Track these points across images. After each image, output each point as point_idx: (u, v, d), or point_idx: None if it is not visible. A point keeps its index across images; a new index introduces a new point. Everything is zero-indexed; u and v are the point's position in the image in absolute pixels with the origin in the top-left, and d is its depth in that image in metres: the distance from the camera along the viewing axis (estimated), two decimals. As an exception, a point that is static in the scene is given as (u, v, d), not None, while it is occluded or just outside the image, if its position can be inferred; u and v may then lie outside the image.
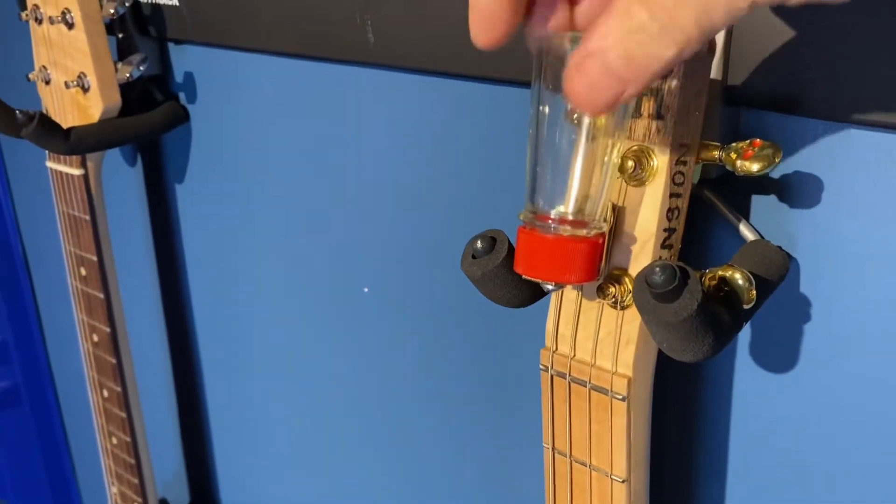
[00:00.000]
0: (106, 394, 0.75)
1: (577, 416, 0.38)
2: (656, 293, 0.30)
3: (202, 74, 0.67)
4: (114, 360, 0.72)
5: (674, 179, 0.33)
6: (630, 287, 0.34)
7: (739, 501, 0.45)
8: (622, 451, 0.37)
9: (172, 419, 0.87)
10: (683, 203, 0.34)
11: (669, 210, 0.33)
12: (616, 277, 0.34)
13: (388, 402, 0.64)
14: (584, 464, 0.38)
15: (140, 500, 0.78)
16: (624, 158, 0.33)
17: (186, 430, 0.86)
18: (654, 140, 0.32)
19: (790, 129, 0.37)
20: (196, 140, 0.69)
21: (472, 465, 0.60)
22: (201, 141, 0.69)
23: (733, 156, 0.32)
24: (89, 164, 0.67)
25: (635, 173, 0.33)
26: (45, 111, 0.66)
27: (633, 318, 0.35)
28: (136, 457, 0.76)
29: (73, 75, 0.62)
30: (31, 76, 0.65)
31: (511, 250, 0.36)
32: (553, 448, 0.39)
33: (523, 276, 0.32)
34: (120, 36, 0.65)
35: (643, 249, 0.33)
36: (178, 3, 0.62)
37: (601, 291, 0.35)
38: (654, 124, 0.32)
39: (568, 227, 0.31)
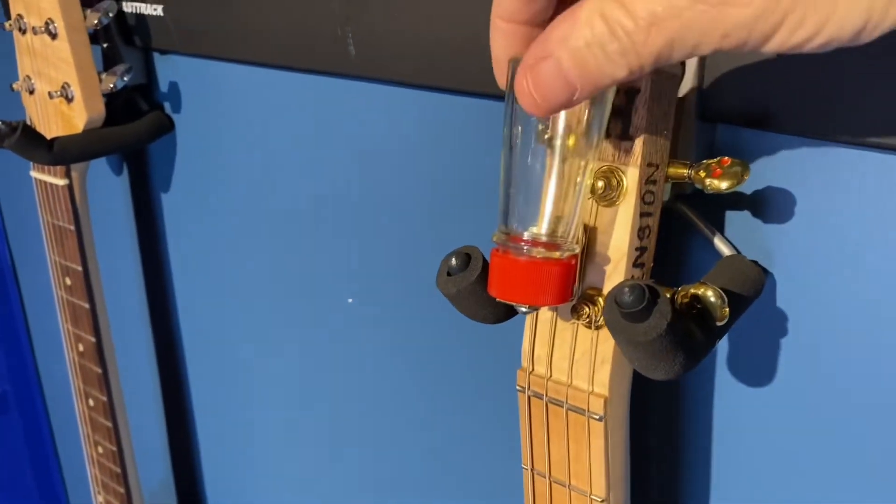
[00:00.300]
0: (92, 403, 0.75)
1: (555, 436, 0.38)
2: (626, 313, 0.30)
3: (187, 84, 0.67)
4: (99, 370, 0.72)
5: (644, 199, 0.33)
6: (603, 307, 0.34)
7: (719, 514, 0.46)
8: (600, 471, 0.37)
9: (159, 428, 0.86)
10: (654, 222, 0.34)
11: (640, 229, 0.33)
12: (590, 297, 0.34)
13: (373, 411, 0.64)
14: (563, 484, 0.38)
15: (127, 508, 0.78)
16: (594, 179, 0.33)
17: (173, 438, 0.86)
18: (623, 160, 0.33)
19: (764, 145, 0.38)
20: (181, 150, 0.69)
21: (453, 476, 0.60)
22: (186, 150, 0.69)
23: (702, 174, 0.32)
24: (74, 174, 0.67)
25: (605, 193, 0.33)
26: (29, 121, 0.66)
27: (607, 337, 0.35)
28: (122, 466, 0.75)
29: (57, 85, 0.62)
30: (14, 86, 0.65)
31: (486, 267, 0.36)
32: (532, 469, 0.39)
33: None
34: (104, 46, 0.65)
35: (616, 269, 0.34)
36: (162, 14, 0.62)
37: (575, 312, 0.35)
38: (622, 144, 0.32)
39: (541, 249, 0.31)
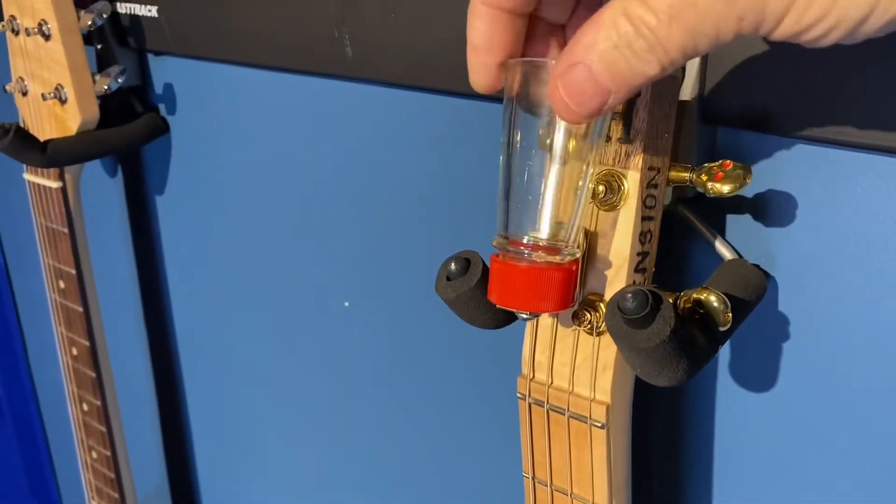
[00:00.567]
0: (86, 407, 0.74)
1: (556, 444, 0.37)
2: (628, 319, 0.30)
3: (182, 86, 0.66)
4: (93, 374, 0.71)
5: (645, 203, 0.33)
6: (605, 313, 0.34)
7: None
8: (603, 479, 0.36)
9: (154, 432, 0.86)
10: (655, 226, 0.34)
11: (642, 234, 0.33)
12: (591, 303, 0.34)
13: (371, 418, 0.63)
14: (565, 492, 0.38)
15: (121, 513, 0.78)
16: (595, 183, 0.32)
17: (168, 443, 0.86)
18: (623, 164, 0.32)
19: (765, 148, 0.37)
20: (176, 152, 0.69)
21: (452, 484, 0.60)
22: (181, 153, 0.69)
23: (704, 177, 0.32)
24: (67, 177, 0.66)
25: (606, 198, 0.32)
26: (22, 123, 0.65)
27: (609, 343, 0.34)
28: (117, 471, 0.75)
29: (51, 87, 0.61)
30: (7, 88, 0.65)
31: (486, 272, 0.35)
32: (533, 477, 0.39)
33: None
34: (98, 47, 0.65)
35: (617, 274, 0.33)
36: (157, 15, 0.62)
37: (576, 318, 0.34)
38: (623, 148, 0.32)
39: (542, 254, 0.31)
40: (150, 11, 0.62)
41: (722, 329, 0.33)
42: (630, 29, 0.25)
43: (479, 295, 0.35)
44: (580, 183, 0.31)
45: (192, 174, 0.69)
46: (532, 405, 0.37)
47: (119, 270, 0.80)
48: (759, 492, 0.43)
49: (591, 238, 0.33)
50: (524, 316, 0.32)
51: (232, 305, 0.71)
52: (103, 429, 0.73)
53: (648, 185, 0.32)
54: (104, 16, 0.61)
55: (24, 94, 0.64)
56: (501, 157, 0.31)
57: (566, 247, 0.31)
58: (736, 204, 0.39)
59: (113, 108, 0.65)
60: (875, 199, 0.36)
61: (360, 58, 0.50)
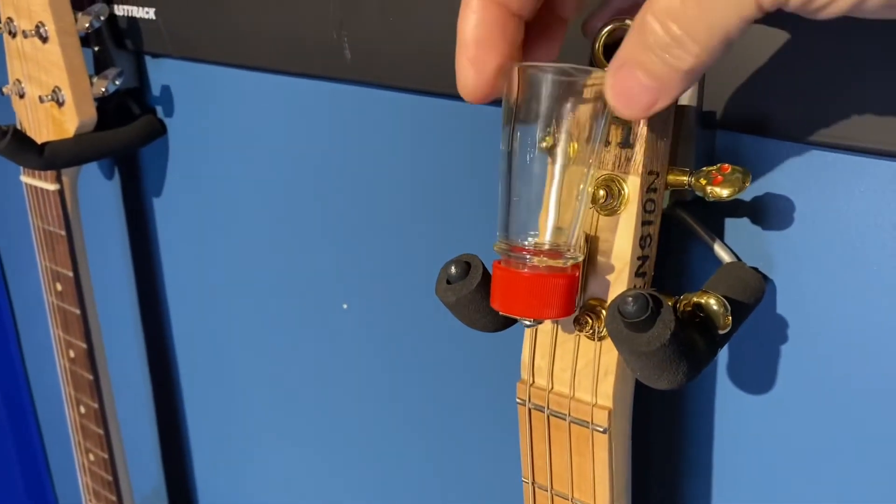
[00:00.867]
0: (83, 410, 0.74)
1: (557, 449, 0.37)
2: (629, 323, 0.30)
3: (179, 88, 0.66)
4: (90, 377, 0.71)
5: (645, 207, 0.33)
6: (605, 317, 0.34)
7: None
8: (605, 484, 0.36)
9: (151, 435, 0.86)
10: (655, 230, 0.34)
11: (642, 238, 0.33)
12: (592, 308, 0.34)
13: (369, 421, 0.63)
14: (565, 497, 0.38)
15: (118, 516, 0.77)
16: (595, 188, 0.32)
17: (165, 446, 0.85)
18: (623, 168, 0.32)
19: (763, 152, 0.37)
20: (173, 154, 0.69)
21: (450, 488, 0.60)
22: (179, 155, 0.69)
23: (703, 181, 0.32)
24: (64, 179, 0.66)
25: (606, 202, 0.32)
26: (19, 125, 0.65)
27: (610, 348, 0.34)
28: (114, 474, 0.75)
29: (48, 89, 0.61)
30: (4, 90, 0.64)
31: (486, 275, 0.35)
32: (533, 482, 0.39)
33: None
34: (96, 49, 0.64)
35: (618, 279, 0.33)
36: (154, 17, 0.61)
37: (577, 323, 0.34)
38: (623, 153, 0.32)
39: (543, 258, 0.31)
40: (148, 13, 0.62)
41: (721, 332, 0.33)
42: (657, 27, 0.25)
43: (479, 298, 0.35)
44: (581, 187, 0.31)
45: (189, 176, 0.69)
46: (532, 410, 0.37)
47: (116, 273, 0.80)
48: (758, 494, 0.43)
49: (591, 243, 0.34)
50: (527, 323, 0.32)
51: (229, 308, 0.71)
52: (100, 431, 0.73)
53: (648, 190, 0.32)
54: (101, 18, 0.61)
55: (21, 96, 0.64)
56: (501, 162, 0.31)
57: (568, 250, 0.31)
58: (734, 207, 0.39)
59: (110, 110, 0.65)
60: (873, 202, 0.36)
61: (359, 60, 0.50)
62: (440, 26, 0.45)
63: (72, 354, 0.72)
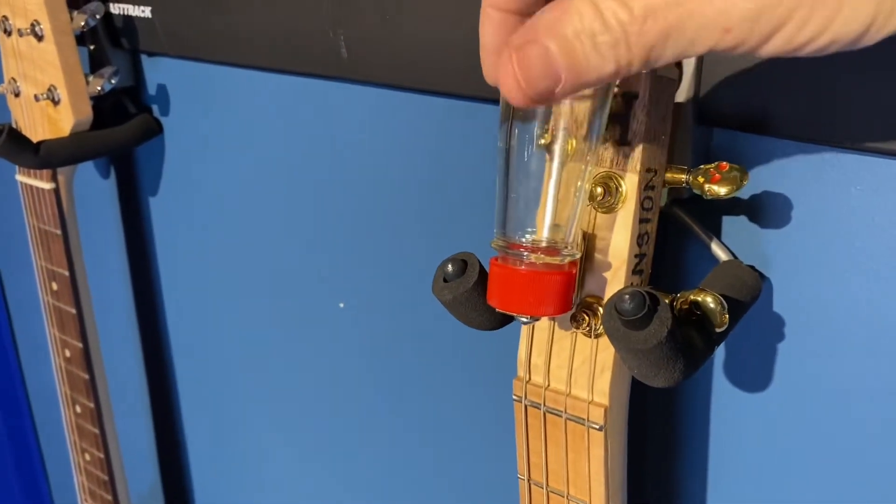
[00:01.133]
0: (79, 409, 0.74)
1: (552, 446, 0.37)
2: (626, 320, 0.30)
3: (175, 87, 0.66)
4: (86, 376, 0.71)
5: (643, 205, 0.33)
6: (602, 314, 0.34)
7: (715, 520, 0.45)
8: (600, 481, 0.36)
9: (148, 434, 0.85)
10: (653, 228, 0.34)
11: (640, 236, 0.33)
12: (589, 305, 0.34)
13: (365, 420, 0.63)
14: (561, 494, 0.38)
15: (114, 516, 0.77)
16: (592, 185, 0.32)
17: (161, 445, 0.85)
18: (621, 166, 0.32)
19: (760, 150, 0.37)
20: (169, 153, 0.69)
21: (446, 485, 0.60)
22: (175, 154, 0.68)
23: (700, 179, 0.32)
24: (60, 178, 0.66)
25: (604, 200, 0.32)
26: (14, 124, 0.65)
27: (607, 345, 0.34)
28: (110, 473, 0.74)
29: (43, 88, 0.61)
30: (0, 89, 0.64)
31: (483, 273, 0.35)
32: (529, 479, 0.39)
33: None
34: (91, 48, 0.64)
35: (615, 276, 0.33)
36: (150, 16, 0.61)
37: (574, 320, 0.34)
38: (620, 150, 0.32)
39: (541, 255, 0.31)
40: (144, 12, 0.61)
41: (718, 330, 0.33)
42: (597, 21, 0.23)
43: (476, 296, 0.35)
44: (578, 184, 0.31)
45: (185, 175, 0.69)
46: (528, 407, 0.37)
47: (112, 272, 0.79)
48: (753, 492, 0.43)
49: (588, 240, 0.34)
50: (524, 320, 0.32)
51: (225, 307, 0.71)
52: (96, 431, 0.73)
53: (646, 187, 0.32)
54: (97, 16, 0.61)
55: (17, 95, 0.63)
56: (499, 159, 0.31)
57: (565, 248, 0.31)
58: (731, 205, 0.39)
59: (106, 109, 0.65)
60: (869, 200, 0.36)
61: (356, 59, 0.50)
62: (436, 24, 0.45)
63: (67, 354, 0.72)
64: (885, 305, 0.37)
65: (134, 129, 0.66)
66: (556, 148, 0.30)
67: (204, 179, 0.67)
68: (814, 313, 0.39)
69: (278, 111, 0.59)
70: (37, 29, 0.59)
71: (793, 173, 0.37)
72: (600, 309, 0.34)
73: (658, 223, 0.35)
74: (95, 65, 0.64)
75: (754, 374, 0.41)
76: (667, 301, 0.31)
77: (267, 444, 0.73)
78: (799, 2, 0.22)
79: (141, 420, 0.85)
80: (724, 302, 0.32)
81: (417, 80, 0.47)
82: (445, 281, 0.36)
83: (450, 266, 0.36)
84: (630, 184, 0.32)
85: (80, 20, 0.60)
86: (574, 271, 0.32)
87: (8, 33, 0.62)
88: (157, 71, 0.66)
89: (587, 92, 0.29)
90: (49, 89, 0.61)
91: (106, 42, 0.64)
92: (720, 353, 0.42)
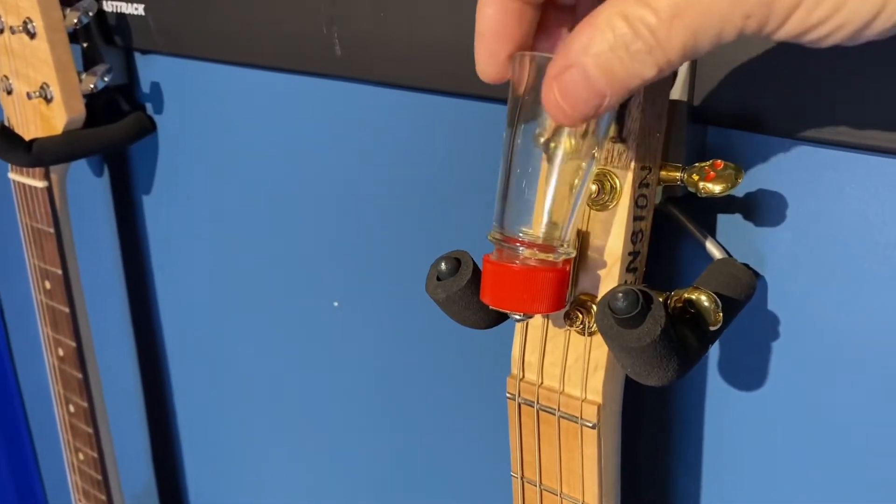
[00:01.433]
0: (72, 409, 0.73)
1: (546, 444, 0.37)
2: (619, 319, 0.30)
3: (169, 84, 0.66)
4: (80, 375, 0.71)
5: (637, 202, 0.33)
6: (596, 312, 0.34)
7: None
8: (593, 479, 0.36)
9: (142, 433, 0.85)
10: (647, 226, 0.34)
11: (634, 233, 0.33)
12: (582, 303, 0.34)
13: (359, 418, 0.63)
14: (554, 492, 0.38)
15: (108, 516, 0.77)
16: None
17: (156, 445, 0.85)
18: (616, 164, 0.32)
19: (755, 148, 0.37)
20: (163, 151, 0.68)
21: (440, 483, 0.60)
22: (168, 152, 0.68)
23: (695, 177, 0.32)
24: (53, 176, 0.66)
25: (598, 198, 0.32)
26: (6, 122, 0.65)
27: (600, 343, 0.34)
28: (104, 473, 0.74)
29: (36, 86, 0.61)
30: (-8, 86, 0.64)
31: (476, 272, 0.35)
32: (522, 477, 0.39)
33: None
34: (84, 45, 0.64)
35: (609, 274, 0.33)
36: (143, 13, 0.61)
37: (568, 318, 0.34)
38: (615, 148, 0.32)
39: (536, 251, 0.31)
40: (137, 9, 0.61)
41: (712, 328, 0.33)
42: (627, 31, 0.24)
43: (470, 295, 0.35)
44: (577, 182, 0.31)
45: (179, 173, 0.68)
46: (521, 405, 0.37)
47: (105, 270, 0.79)
48: (747, 491, 0.43)
49: (582, 238, 0.33)
50: (517, 317, 0.32)
51: (219, 305, 0.70)
52: (90, 430, 0.73)
53: (640, 185, 0.32)
54: (90, 14, 0.60)
55: (9, 92, 0.63)
56: (503, 152, 0.31)
57: (561, 245, 0.31)
58: (725, 203, 0.39)
59: (99, 107, 0.65)
60: (863, 198, 0.36)
61: (350, 56, 0.50)
62: (430, 22, 0.45)
63: (61, 353, 0.72)
64: (878, 303, 0.37)
65: (127, 128, 0.66)
66: (560, 144, 0.30)
67: (198, 177, 0.67)
68: (808, 311, 0.39)
69: (272, 109, 0.59)
70: (29, 26, 0.59)
71: (787, 171, 0.37)
72: (594, 307, 0.34)
73: (652, 221, 0.35)
74: (88, 62, 0.64)
75: (748, 373, 0.41)
76: (661, 299, 0.31)
77: (261, 442, 0.73)
78: None
79: (135, 419, 0.85)
80: (718, 300, 0.32)
81: (412, 77, 0.47)
82: (439, 279, 0.36)
83: (443, 264, 0.35)
84: (624, 182, 0.32)
85: (73, 17, 0.59)
86: (568, 269, 0.32)
87: (0, 30, 0.61)
88: (151, 69, 0.66)
89: None
90: (42, 87, 0.61)
91: (99, 39, 0.64)
92: (714, 351, 0.42)
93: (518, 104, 0.30)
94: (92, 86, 0.61)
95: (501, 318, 0.37)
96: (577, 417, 0.35)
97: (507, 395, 0.38)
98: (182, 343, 0.77)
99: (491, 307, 0.35)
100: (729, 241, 0.39)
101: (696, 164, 0.33)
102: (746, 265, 0.38)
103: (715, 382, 0.43)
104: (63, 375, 0.73)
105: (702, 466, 0.44)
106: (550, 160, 0.30)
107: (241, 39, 0.56)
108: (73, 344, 0.70)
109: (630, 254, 0.33)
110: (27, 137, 0.61)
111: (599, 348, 0.34)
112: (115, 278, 0.79)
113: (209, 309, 0.72)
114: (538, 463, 0.38)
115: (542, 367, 0.36)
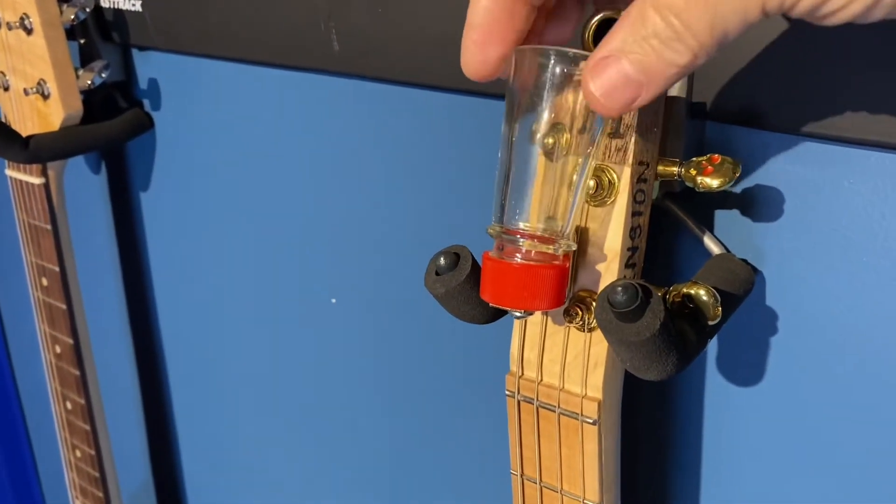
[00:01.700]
0: (69, 406, 0.73)
1: (546, 441, 0.37)
2: (618, 313, 0.30)
3: (167, 81, 0.65)
4: (77, 372, 0.71)
5: (635, 198, 0.33)
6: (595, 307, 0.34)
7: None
8: (594, 475, 0.36)
9: (139, 430, 0.85)
10: (645, 221, 0.34)
11: (632, 229, 0.33)
12: (581, 299, 0.34)
13: (357, 415, 0.63)
14: (554, 489, 0.38)
15: (106, 513, 0.77)
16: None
17: (153, 442, 0.85)
18: (613, 159, 0.32)
19: (753, 143, 0.37)
20: (161, 148, 0.68)
21: (439, 481, 0.60)
22: (166, 148, 0.68)
23: (693, 172, 0.32)
24: (50, 173, 0.65)
25: (597, 193, 0.32)
26: (3, 118, 0.65)
27: (600, 339, 0.34)
28: (101, 470, 0.74)
29: (33, 82, 0.61)
30: (-12, 82, 0.64)
31: (475, 266, 0.35)
32: (521, 474, 0.39)
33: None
34: (81, 42, 0.64)
35: (608, 270, 0.33)
36: (140, 9, 0.61)
37: (567, 314, 0.34)
38: (613, 143, 0.32)
39: (536, 242, 0.31)
40: (134, 6, 0.61)
41: (711, 323, 0.33)
42: (658, 20, 0.25)
43: (469, 290, 0.35)
44: (575, 177, 0.31)
45: (176, 170, 0.68)
46: (521, 402, 0.37)
47: (103, 267, 0.79)
48: (746, 486, 0.43)
49: (581, 234, 0.33)
50: (517, 314, 0.32)
51: (217, 302, 0.70)
52: (87, 427, 0.73)
53: (638, 180, 0.32)
54: (87, 10, 0.60)
55: (6, 89, 0.63)
56: (502, 146, 0.31)
57: (561, 237, 0.31)
58: (723, 198, 0.39)
59: (96, 103, 0.64)
60: (862, 193, 0.36)
61: (348, 52, 0.50)
62: (429, 18, 0.45)
63: (58, 350, 0.72)
64: (877, 298, 0.37)
65: (125, 124, 0.66)
66: (557, 138, 0.30)
67: (195, 174, 0.67)
68: (806, 306, 0.39)
69: (270, 105, 0.59)
70: (26, 22, 0.59)
71: (785, 166, 0.37)
72: (593, 303, 0.34)
73: (650, 216, 0.35)
74: (85, 59, 0.64)
75: (747, 368, 0.41)
76: (659, 294, 0.31)
77: (259, 439, 0.73)
78: None
79: (132, 416, 0.85)
80: (717, 295, 0.32)
81: (409, 73, 0.47)
82: (438, 274, 0.36)
83: (442, 259, 0.35)
84: (622, 177, 0.32)
85: (70, 14, 0.59)
86: (568, 265, 0.32)
87: (-4, 27, 0.61)
88: (148, 65, 0.66)
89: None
90: (39, 83, 0.60)
91: (96, 36, 0.64)
92: (713, 346, 0.42)
93: (516, 99, 0.30)
94: (89, 82, 0.61)
95: (500, 313, 0.37)
96: (577, 414, 0.35)
97: (507, 392, 0.38)
98: (179, 340, 0.77)
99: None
100: (727, 236, 0.39)
101: (694, 159, 0.33)
102: (745, 260, 0.38)
103: (713, 378, 0.43)
104: (60, 372, 0.73)
105: (701, 462, 0.45)
106: (548, 155, 0.30)
107: (238, 35, 0.56)
108: (70, 340, 0.70)
109: (628, 249, 0.33)
110: (24, 134, 0.60)
111: (599, 344, 0.34)
112: (112, 275, 0.79)
113: (206, 305, 0.71)
114: (538, 460, 0.38)
115: (541, 364, 0.36)
